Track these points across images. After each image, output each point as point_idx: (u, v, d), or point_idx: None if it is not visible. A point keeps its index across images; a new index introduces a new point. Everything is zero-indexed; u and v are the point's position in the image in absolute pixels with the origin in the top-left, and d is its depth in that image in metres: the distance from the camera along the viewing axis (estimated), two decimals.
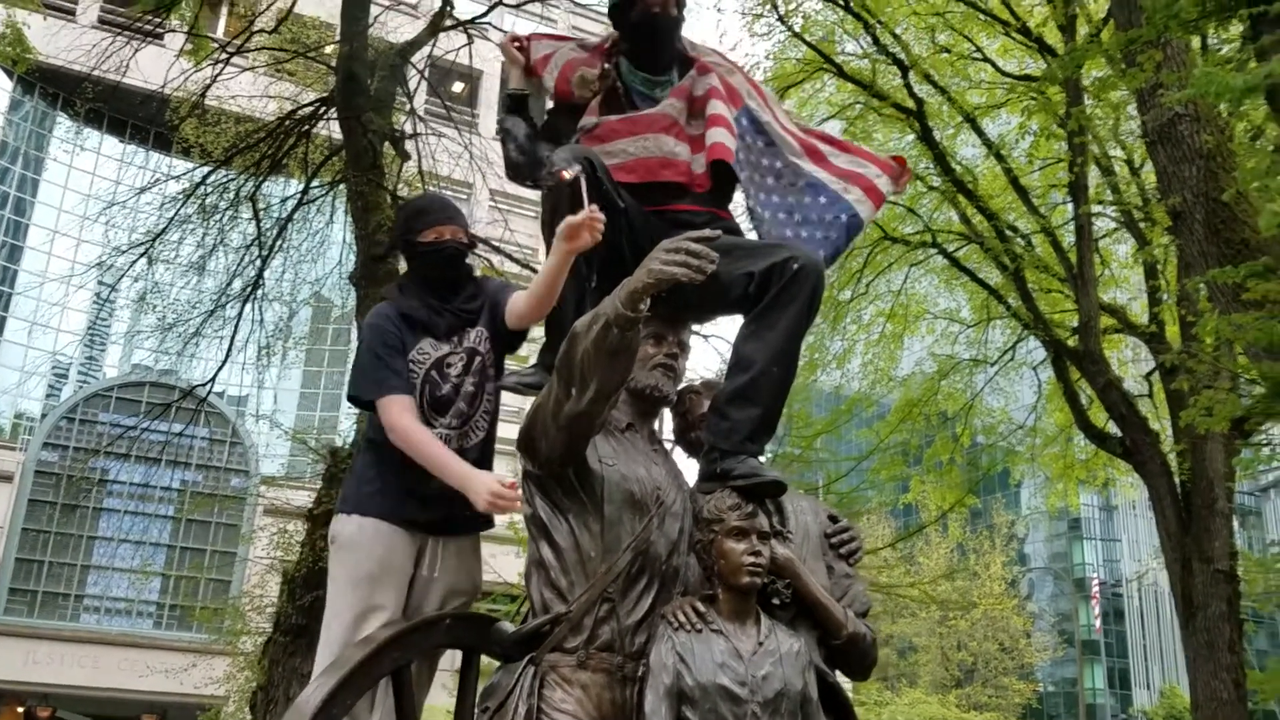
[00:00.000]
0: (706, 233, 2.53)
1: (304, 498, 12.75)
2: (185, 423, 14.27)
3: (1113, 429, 12.74)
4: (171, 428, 14.45)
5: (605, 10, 3.71)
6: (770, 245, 3.18)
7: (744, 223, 3.71)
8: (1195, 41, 8.86)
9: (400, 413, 3.08)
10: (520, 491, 2.89)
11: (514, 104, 3.65)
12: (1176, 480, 11.70)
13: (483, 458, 3.27)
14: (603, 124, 3.34)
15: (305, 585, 9.51)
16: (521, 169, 3.55)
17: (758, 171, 3.54)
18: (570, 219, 2.79)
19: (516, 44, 3.68)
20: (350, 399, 3.28)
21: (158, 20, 12.06)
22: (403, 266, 9.79)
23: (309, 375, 29.05)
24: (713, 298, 2.97)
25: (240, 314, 12.70)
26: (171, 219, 12.52)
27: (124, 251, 12.93)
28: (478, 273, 3.54)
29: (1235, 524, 12.34)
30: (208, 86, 12.24)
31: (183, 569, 26.88)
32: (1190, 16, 6.37)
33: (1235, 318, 6.75)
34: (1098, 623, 45.83)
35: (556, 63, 3.62)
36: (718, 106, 3.38)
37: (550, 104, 3.72)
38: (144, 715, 27.03)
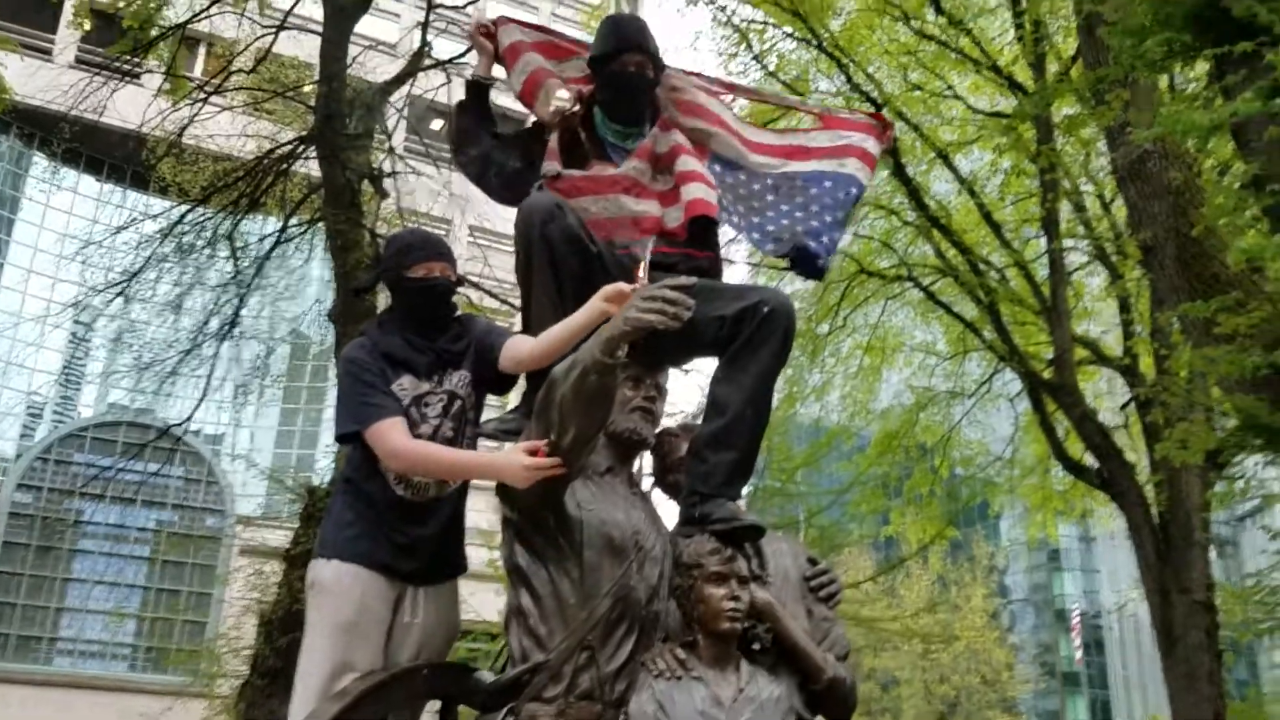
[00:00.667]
0: (683, 280, 2.55)
1: (280, 537, 12.63)
2: (161, 462, 14.13)
3: (1089, 460, 12.82)
4: (147, 467, 14.31)
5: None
6: (741, 288, 3.22)
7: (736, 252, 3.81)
8: (1163, 80, 9.02)
9: (396, 435, 3.00)
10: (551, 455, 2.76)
11: (475, 91, 3.62)
12: (1154, 511, 11.76)
13: (458, 507, 3.25)
14: (565, 178, 3.34)
15: (282, 627, 9.41)
16: (465, 139, 3.57)
17: (748, 202, 3.57)
18: (621, 285, 2.78)
19: (484, 30, 3.67)
20: (339, 439, 3.20)
21: (135, 60, 12.08)
22: (382, 303, 9.80)
23: (286, 413, 28.80)
24: (687, 341, 2.98)
25: (217, 352, 12.63)
26: (148, 258, 12.46)
27: (100, 291, 12.87)
28: (459, 311, 3.52)
29: (1212, 554, 12.41)
30: (185, 126, 12.25)
31: (158, 611, 26.48)
32: (1156, 56, 6.49)
33: (1208, 351, 6.82)
34: (1079, 654, 45.84)
35: (525, 67, 3.63)
36: (688, 163, 3.43)
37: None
38: None
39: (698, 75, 3.83)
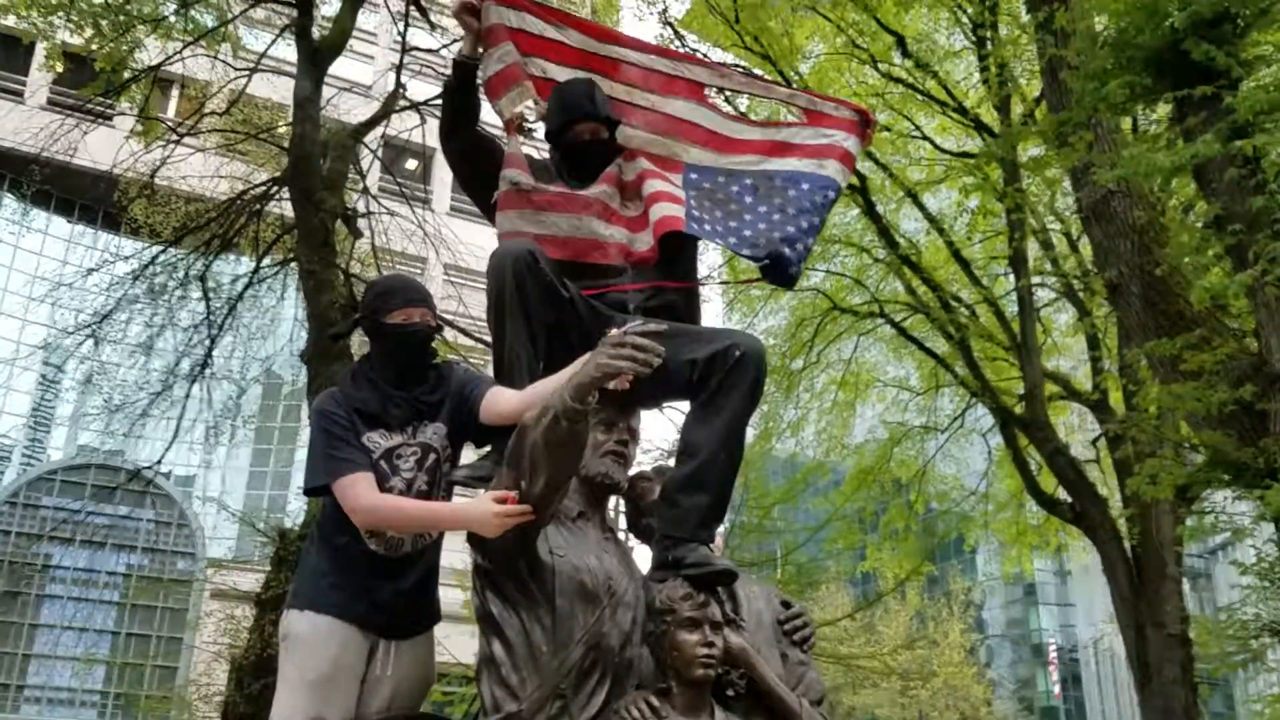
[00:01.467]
0: (653, 326, 2.57)
1: (252, 581, 12.48)
2: (131, 505, 13.96)
3: (1062, 494, 12.91)
4: (117, 510, 14.13)
5: None
6: (713, 331, 3.23)
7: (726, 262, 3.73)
8: (1126, 121, 9.21)
9: (363, 491, 2.97)
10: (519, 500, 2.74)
11: (461, 73, 3.51)
12: (1127, 545, 11.84)
13: (434, 559, 3.24)
14: (540, 192, 3.32)
15: (254, 673, 9.29)
16: (452, 125, 3.50)
17: (726, 206, 3.53)
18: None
19: (468, 7, 3.55)
20: (307, 492, 3.16)
21: (108, 102, 12.07)
22: (356, 344, 9.76)
23: (258, 454, 28.56)
24: (659, 385, 2.98)
25: (188, 394, 12.53)
26: (120, 299, 12.39)
27: (71, 333, 12.77)
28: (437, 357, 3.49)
29: (1186, 587, 12.49)
30: (158, 167, 12.23)
31: (128, 656, 26.00)
32: (1118, 99, 6.64)
33: (1174, 388, 6.92)
34: (1057, 689, 45.82)
35: (501, 58, 3.54)
36: (655, 185, 3.42)
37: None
38: None
39: (684, 56, 3.81)
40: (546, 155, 3.69)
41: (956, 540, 20.19)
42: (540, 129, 3.69)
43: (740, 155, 3.67)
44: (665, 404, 3.62)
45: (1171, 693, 11.13)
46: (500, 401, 3.07)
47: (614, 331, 2.53)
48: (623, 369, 2.47)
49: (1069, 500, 12.61)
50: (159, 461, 13.11)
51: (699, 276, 3.75)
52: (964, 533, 18.23)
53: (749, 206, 3.55)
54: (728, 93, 7.32)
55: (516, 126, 3.50)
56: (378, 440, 3.12)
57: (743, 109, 10.97)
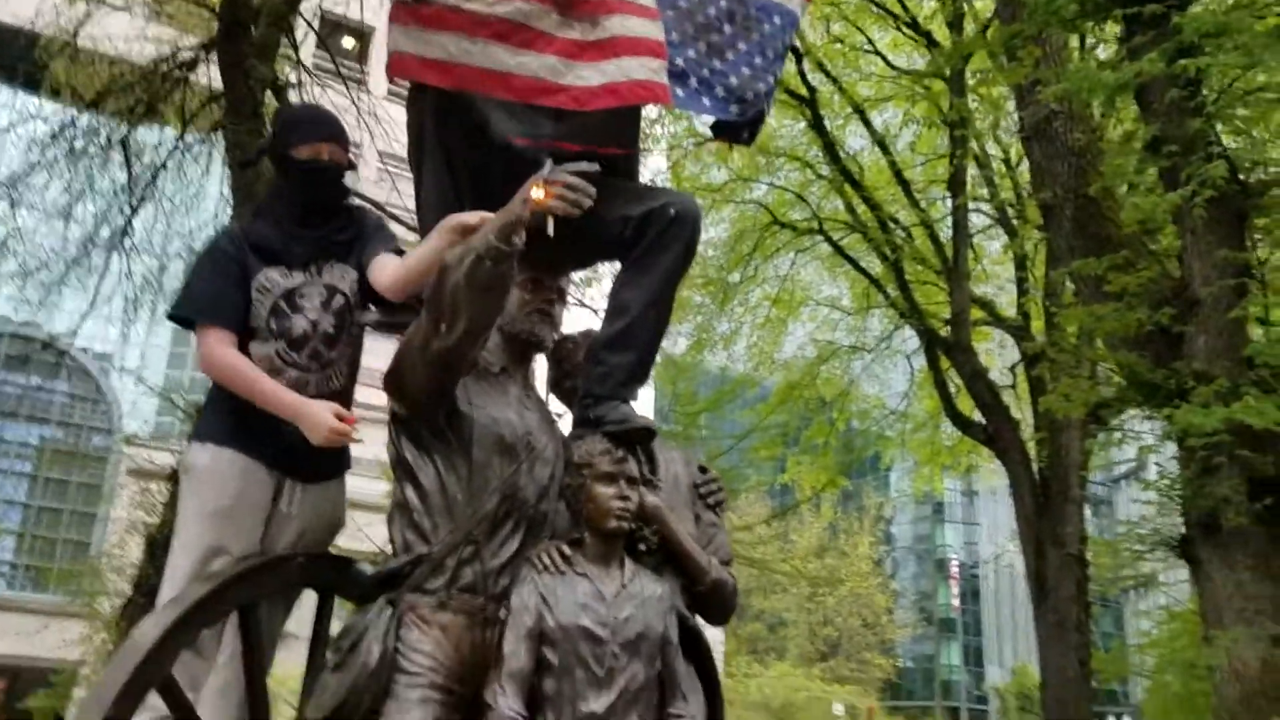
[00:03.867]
0: (584, 166, 2.49)
1: (169, 458, 12.28)
2: (45, 376, 13.56)
3: (978, 417, 13.25)
4: (30, 380, 13.73)
5: None
6: (648, 189, 3.14)
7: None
8: (1074, 40, 9.21)
9: (216, 344, 2.88)
10: (356, 422, 2.78)
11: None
12: (1035, 468, 12.25)
13: (345, 407, 3.13)
14: (427, 4, 2.82)
15: (167, 547, 9.17)
16: None
17: (707, 37, 3.08)
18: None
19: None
20: (170, 317, 3.04)
21: None
22: None
23: (179, 334, 27.84)
24: (589, 241, 2.92)
25: (107, 263, 12.11)
26: (37, 162, 11.86)
27: None
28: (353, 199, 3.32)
29: (1087, 511, 13.00)
30: (80, 24, 11.61)
31: (39, 528, 25.62)
32: (1069, 14, 6.62)
33: (1096, 308, 7.07)
34: (956, 602, 47.82)
35: None
36: (632, 24, 2.89)
37: None
38: None
39: None
40: None
41: (873, 457, 20.70)
42: None
43: None
44: (595, 262, 3.52)
45: (1065, 609, 11.64)
46: (383, 271, 2.94)
47: (544, 170, 2.45)
48: (552, 208, 2.40)
49: (983, 423, 12.96)
50: (75, 332, 12.73)
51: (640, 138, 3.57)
52: (881, 450, 18.73)
53: (729, 40, 3.12)
54: None
55: None
56: (275, 279, 2.99)
57: None
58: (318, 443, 2.76)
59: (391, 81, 2.89)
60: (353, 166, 3.16)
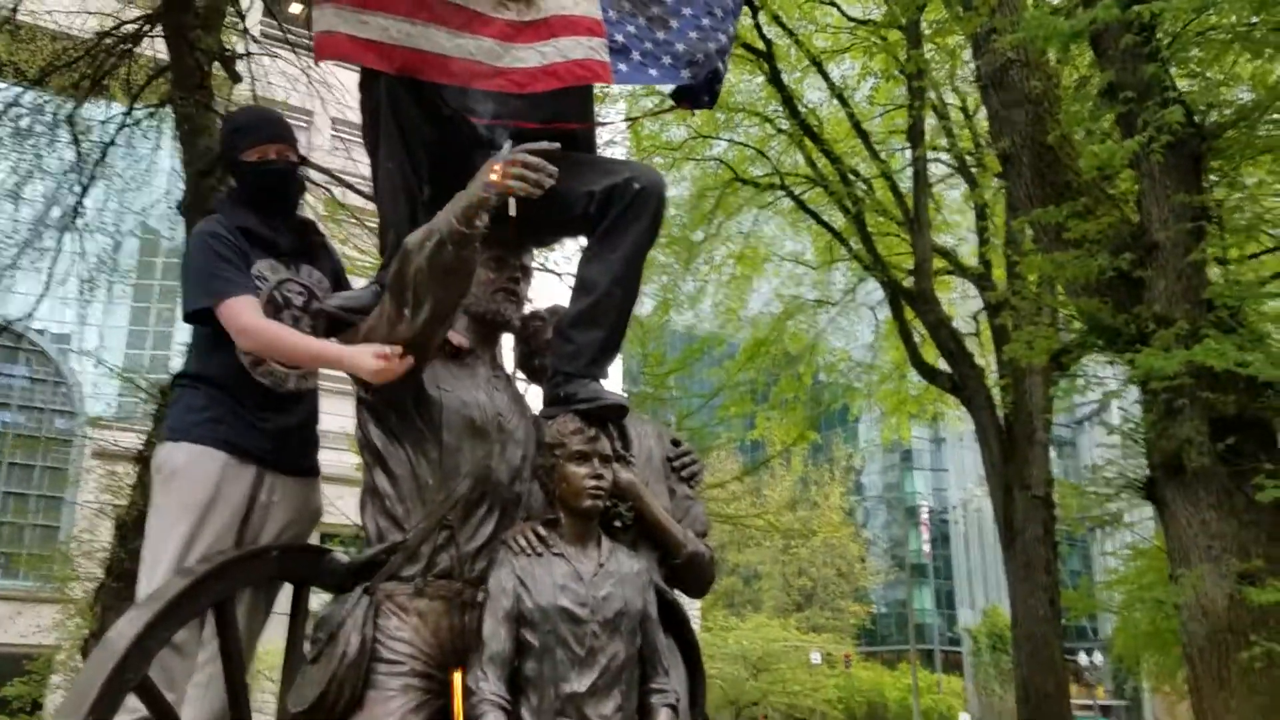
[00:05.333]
0: (544, 145, 2.45)
1: (133, 439, 12.14)
2: (3, 361, 13.31)
3: (943, 365, 13.39)
4: None
5: None
6: (611, 163, 3.10)
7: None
8: None
9: (249, 312, 2.84)
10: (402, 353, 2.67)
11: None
12: (1000, 413, 12.41)
13: (313, 405, 3.17)
14: None
15: (137, 529, 9.05)
16: None
17: (647, 9, 3.04)
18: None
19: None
20: (188, 316, 2.98)
21: None
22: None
23: (137, 312, 27.47)
24: (553, 218, 2.89)
25: (59, 244, 11.87)
26: None
27: None
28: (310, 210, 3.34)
29: (1052, 454, 13.21)
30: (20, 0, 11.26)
31: (5, 515, 25.33)
32: None
33: (1057, 256, 7.12)
34: (927, 548, 48.57)
35: None
36: (564, 3, 2.86)
37: None
38: None
39: None
40: None
41: (841, 410, 20.90)
42: None
43: None
44: (559, 239, 3.47)
45: (1034, 550, 11.86)
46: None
47: (504, 150, 2.41)
48: (512, 189, 2.37)
49: (948, 370, 13.09)
50: (30, 315, 12.49)
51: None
52: (848, 402, 18.90)
53: (671, 9, 3.07)
54: None
55: None
56: (265, 271, 3.01)
57: None
58: (372, 379, 2.65)
59: (317, 64, 2.83)
60: (303, 162, 3.20)
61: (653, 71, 2.97)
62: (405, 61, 2.74)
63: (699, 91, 3.07)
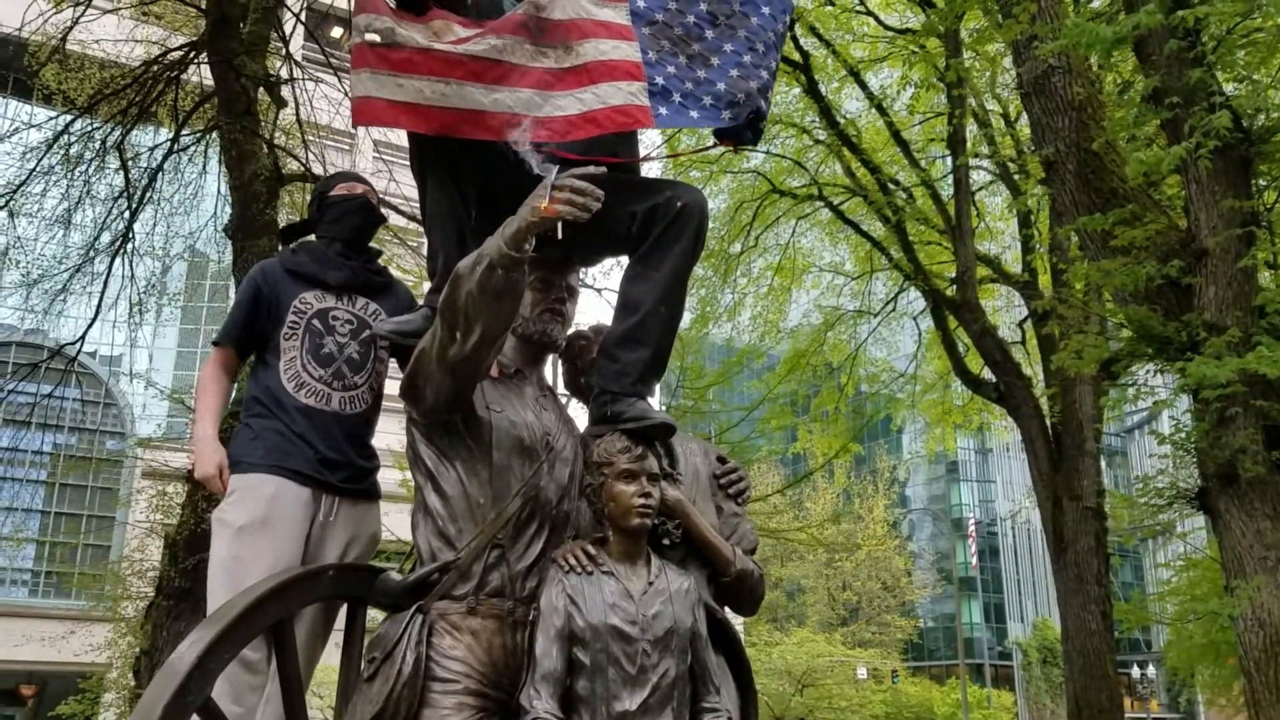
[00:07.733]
0: (590, 169, 2.47)
1: (183, 459, 12.35)
2: (54, 384, 13.60)
3: (988, 375, 13.24)
4: (40, 389, 13.74)
5: None
6: (653, 182, 3.12)
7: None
8: None
9: (211, 361, 3.26)
10: (227, 484, 3.06)
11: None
12: (1048, 423, 12.24)
13: (366, 430, 3.27)
14: (398, 48, 2.74)
15: (188, 548, 9.22)
16: None
17: (687, 48, 2.97)
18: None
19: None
20: (214, 343, 3.37)
21: None
22: (283, 217, 9.47)
23: (186, 334, 27.99)
24: (597, 238, 2.90)
25: (110, 269, 12.13)
26: (33, 170, 11.84)
27: None
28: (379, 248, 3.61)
29: (1103, 463, 13.01)
30: (68, 29, 11.54)
31: (58, 535, 25.83)
32: None
33: (1104, 264, 7.04)
34: (974, 560, 47.99)
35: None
36: (605, 48, 2.83)
37: None
38: (21, 685, 26.20)
39: None
40: None
41: (884, 420, 20.74)
42: None
43: None
44: (603, 258, 3.50)
45: (1085, 562, 11.68)
46: None
47: (551, 176, 2.43)
48: (560, 213, 2.39)
49: (994, 380, 12.95)
50: (82, 338, 12.75)
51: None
52: (891, 413, 18.75)
53: (712, 45, 3.00)
54: None
55: None
56: (310, 300, 3.24)
57: None
58: (196, 477, 3.12)
59: (354, 128, 2.96)
60: (382, 203, 3.56)
61: (694, 113, 2.93)
62: (442, 121, 2.77)
63: (741, 129, 3.05)
